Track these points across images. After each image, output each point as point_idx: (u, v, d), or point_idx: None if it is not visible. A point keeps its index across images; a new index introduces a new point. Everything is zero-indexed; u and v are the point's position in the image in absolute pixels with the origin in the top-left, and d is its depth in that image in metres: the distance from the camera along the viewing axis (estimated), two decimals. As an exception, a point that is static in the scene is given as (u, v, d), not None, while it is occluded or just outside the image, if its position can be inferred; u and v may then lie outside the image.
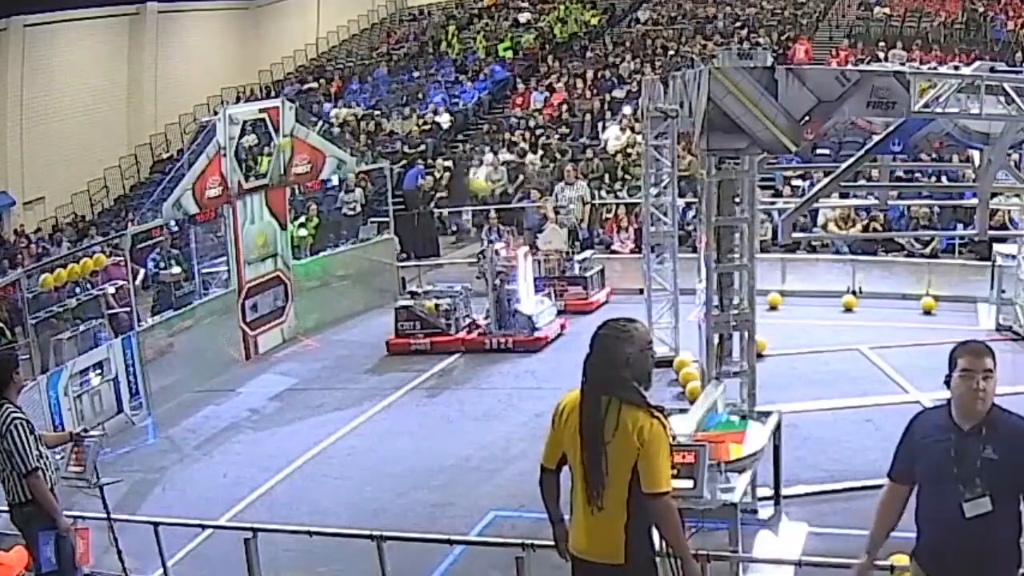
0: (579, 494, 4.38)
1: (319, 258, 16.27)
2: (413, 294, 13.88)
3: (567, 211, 16.61)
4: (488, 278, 13.14)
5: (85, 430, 7.10)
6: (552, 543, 4.66)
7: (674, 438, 5.54)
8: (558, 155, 21.14)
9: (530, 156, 21.52)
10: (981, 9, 24.79)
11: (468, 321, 13.59)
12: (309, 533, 6.66)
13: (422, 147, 23.69)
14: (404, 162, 22.24)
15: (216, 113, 15.45)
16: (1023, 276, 12.10)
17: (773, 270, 14.17)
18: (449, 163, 22.45)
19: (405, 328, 13.38)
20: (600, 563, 4.33)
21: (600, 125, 22.42)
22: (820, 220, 15.94)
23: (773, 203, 15.67)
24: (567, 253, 15.22)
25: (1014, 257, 12.35)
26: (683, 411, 7.17)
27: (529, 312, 13.04)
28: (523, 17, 30.52)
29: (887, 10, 26.03)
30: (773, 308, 13.47)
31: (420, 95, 26.69)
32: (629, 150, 20.07)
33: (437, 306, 13.34)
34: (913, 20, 25.32)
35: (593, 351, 4.42)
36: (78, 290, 12.75)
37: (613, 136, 20.99)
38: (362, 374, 12.77)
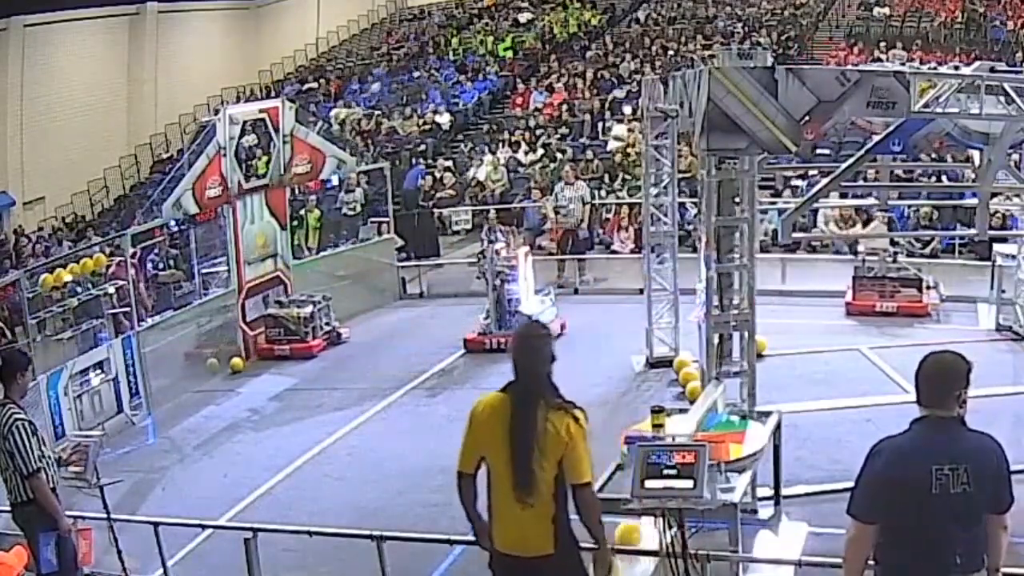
0: (503, 493, 4.59)
1: (319, 258, 16.30)
2: (280, 303, 14.07)
3: (567, 211, 16.62)
4: (488, 278, 13.14)
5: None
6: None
7: (674, 438, 5.56)
8: (558, 155, 21.17)
9: (531, 156, 21.59)
10: (981, 9, 24.80)
11: (328, 329, 14.00)
12: (309, 533, 6.65)
13: (422, 147, 23.70)
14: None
15: (216, 113, 15.44)
16: (1023, 276, 12.10)
17: (773, 270, 14.16)
18: (449, 163, 22.48)
19: (271, 335, 13.84)
20: (529, 557, 4.55)
21: (600, 125, 22.44)
22: (820, 220, 15.94)
23: (773, 203, 15.67)
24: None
25: (1014, 257, 12.35)
26: (683, 411, 7.16)
27: (529, 312, 13.02)
28: (523, 17, 30.54)
29: (887, 10, 26.05)
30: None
31: (421, 95, 26.71)
32: (629, 150, 20.09)
33: (299, 315, 13.68)
34: (913, 20, 25.34)
35: (527, 354, 4.69)
36: (79, 290, 12.76)
37: (618, 135, 21.04)
38: (362, 374, 12.77)
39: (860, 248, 14.28)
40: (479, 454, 4.68)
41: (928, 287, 13.28)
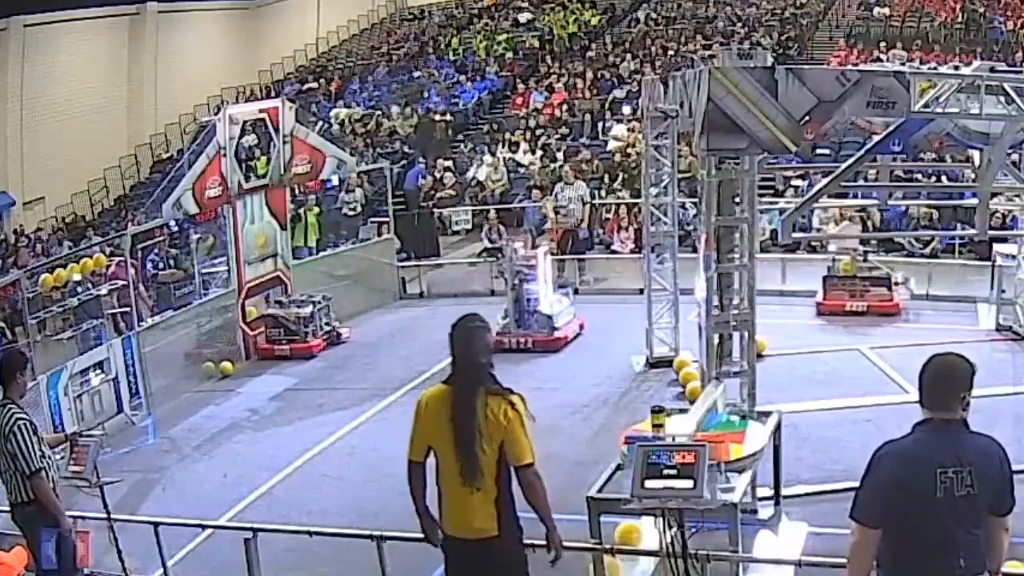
0: (450, 479, 4.85)
1: (319, 258, 16.30)
2: (280, 303, 14.06)
3: (567, 211, 16.63)
4: (507, 278, 13.08)
5: (80, 433, 7.11)
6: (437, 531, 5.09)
7: (674, 438, 5.56)
8: (558, 155, 21.16)
9: (529, 156, 21.59)
10: (981, 9, 24.80)
11: (328, 329, 13.99)
12: (309, 533, 6.65)
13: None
14: (404, 162, 22.27)
15: (216, 113, 15.44)
16: (1023, 276, 12.10)
17: (773, 270, 14.16)
18: (449, 163, 22.48)
19: (272, 335, 13.82)
20: (476, 539, 4.84)
21: (600, 125, 22.44)
22: (815, 220, 15.91)
23: (774, 203, 15.66)
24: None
25: (1014, 257, 12.35)
26: (683, 411, 7.16)
27: (548, 312, 12.97)
28: (523, 17, 30.53)
29: (887, 10, 26.04)
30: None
31: (421, 95, 26.70)
32: (629, 150, 20.09)
33: (298, 315, 13.69)
34: (913, 20, 25.34)
35: (464, 345, 4.89)
36: (79, 290, 12.75)
37: (618, 135, 21.03)
38: (362, 374, 12.77)
39: (831, 247, 14.28)
40: (427, 443, 4.92)
41: (896, 283, 13.32)
